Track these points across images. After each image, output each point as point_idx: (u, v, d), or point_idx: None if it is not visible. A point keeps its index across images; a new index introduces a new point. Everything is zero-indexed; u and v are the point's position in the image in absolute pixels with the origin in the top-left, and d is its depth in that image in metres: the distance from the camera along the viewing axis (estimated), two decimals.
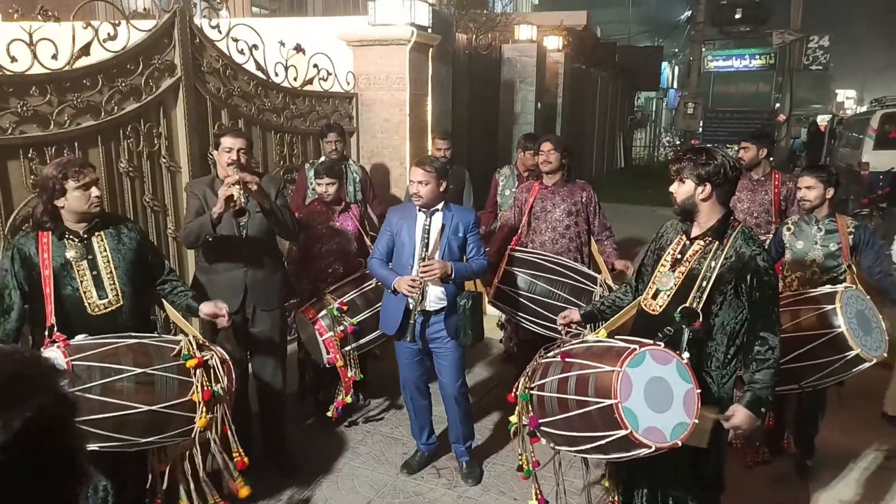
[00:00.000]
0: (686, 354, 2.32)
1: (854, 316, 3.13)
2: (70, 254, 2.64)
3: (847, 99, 39.33)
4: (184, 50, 4.02)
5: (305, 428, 4.12)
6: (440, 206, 3.37)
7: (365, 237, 4.12)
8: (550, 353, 2.65)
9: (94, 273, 2.67)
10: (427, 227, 3.32)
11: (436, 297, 3.34)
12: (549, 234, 4.25)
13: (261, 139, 4.84)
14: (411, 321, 3.30)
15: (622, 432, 2.20)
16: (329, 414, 3.84)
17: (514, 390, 2.71)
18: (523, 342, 4.50)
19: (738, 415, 2.34)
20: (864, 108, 21.15)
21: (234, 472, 2.75)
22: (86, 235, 2.68)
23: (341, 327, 3.75)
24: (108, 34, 3.58)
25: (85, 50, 3.47)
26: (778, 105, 22.98)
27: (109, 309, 2.69)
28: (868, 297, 3.28)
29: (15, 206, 3.26)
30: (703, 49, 23.08)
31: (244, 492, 2.78)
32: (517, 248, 4.19)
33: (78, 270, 2.64)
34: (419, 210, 3.36)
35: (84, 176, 2.59)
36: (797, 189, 3.66)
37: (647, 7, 33.66)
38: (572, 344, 2.62)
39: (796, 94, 22.38)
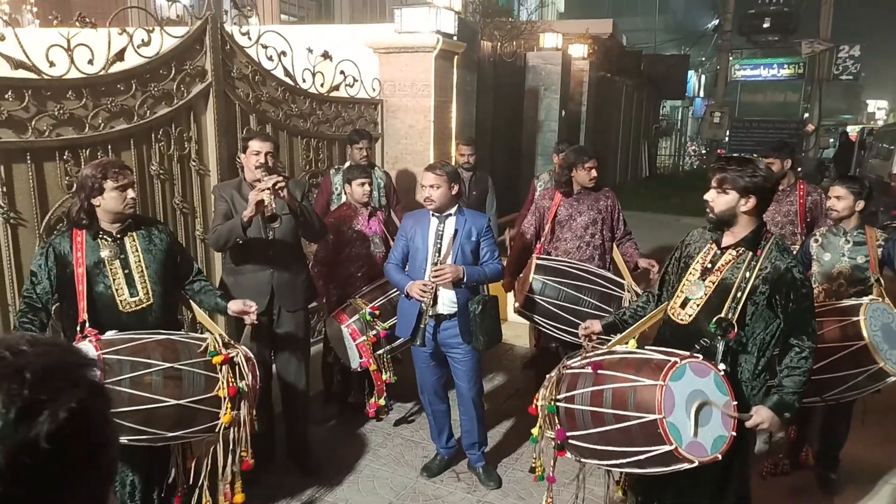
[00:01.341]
0: (722, 366, 2.30)
1: (879, 329, 3.08)
2: (104, 253, 2.71)
3: (878, 109, 38.64)
4: (214, 56, 4.11)
5: (328, 429, 4.16)
6: (453, 210, 3.40)
7: (391, 242, 4.17)
8: (575, 363, 2.59)
9: (126, 272, 2.75)
10: (440, 232, 3.36)
11: (448, 300, 3.36)
12: (573, 241, 4.23)
13: (287, 144, 4.91)
14: (422, 325, 3.32)
15: (666, 448, 2.15)
16: (378, 417, 4.00)
17: (534, 402, 2.66)
18: (544, 350, 4.49)
19: (761, 413, 2.32)
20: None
21: (236, 474, 2.76)
22: (119, 235, 2.76)
23: (374, 332, 3.80)
24: (142, 40, 3.67)
25: (119, 55, 3.56)
26: (806, 115, 22.67)
27: (140, 307, 2.76)
28: None
29: (50, 206, 3.34)
30: (731, 58, 22.85)
31: (238, 498, 2.81)
32: (542, 256, 4.19)
33: (111, 269, 2.72)
34: (432, 215, 3.39)
35: (122, 177, 2.68)
36: (827, 198, 3.62)
37: (674, 15, 33.46)
38: (600, 354, 2.55)
39: (825, 104, 22.08)
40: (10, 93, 3.09)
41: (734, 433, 2.21)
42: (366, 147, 4.79)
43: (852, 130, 20.53)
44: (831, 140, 22.28)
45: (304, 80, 4.95)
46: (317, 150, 5.22)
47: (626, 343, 2.61)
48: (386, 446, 3.98)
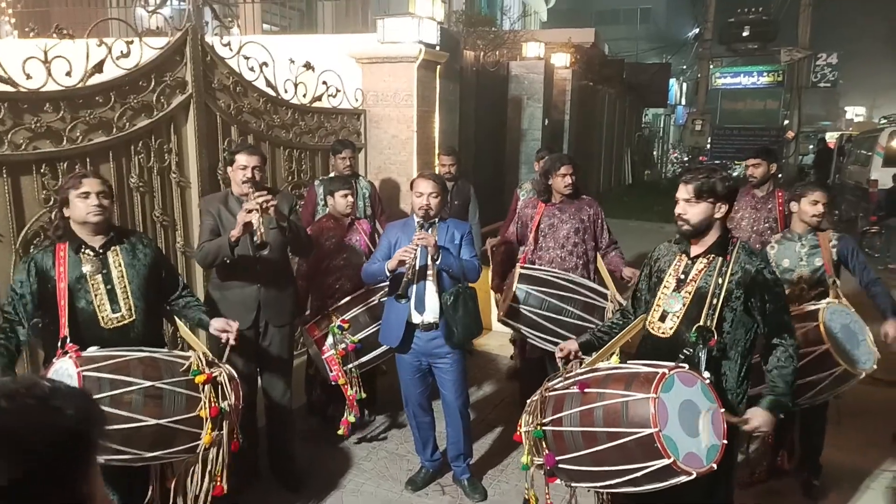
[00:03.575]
0: (706, 374, 2.30)
1: (839, 331, 3.14)
2: (86, 268, 2.67)
3: (856, 116, 39.22)
4: (195, 67, 4.08)
5: (311, 443, 4.12)
6: (437, 218, 3.45)
7: (373, 251, 4.15)
8: (559, 385, 2.53)
9: (109, 287, 2.70)
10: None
11: (436, 307, 3.36)
12: (557, 251, 4.24)
13: (270, 155, 4.88)
14: (405, 279, 3.23)
15: (664, 462, 2.10)
16: (340, 432, 3.86)
17: (518, 428, 2.60)
18: (528, 360, 4.49)
19: (758, 416, 2.34)
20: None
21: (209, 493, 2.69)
22: (101, 250, 2.72)
23: (342, 345, 3.76)
24: (122, 52, 3.63)
25: (98, 67, 3.52)
26: (786, 122, 22.95)
27: (122, 323, 2.72)
28: (853, 310, 3.28)
29: (27, 220, 3.28)
30: (711, 66, 23.11)
31: None
32: (526, 265, 4.19)
33: (93, 284, 2.68)
34: (417, 224, 3.40)
35: (81, 185, 2.62)
36: (799, 204, 3.59)
37: (656, 25, 33.85)
38: (584, 373, 2.51)
39: (805, 110, 22.36)
40: None
41: (725, 441, 2.20)
42: (349, 157, 4.79)
43: (831, 137, 20.81)
44: (811, 147, 22.55)
45: (286, 91, 4.93)
46: (299, 161, 5.19)
47: (608, 359, 2.59)
48: (370, 460, 3.95)
